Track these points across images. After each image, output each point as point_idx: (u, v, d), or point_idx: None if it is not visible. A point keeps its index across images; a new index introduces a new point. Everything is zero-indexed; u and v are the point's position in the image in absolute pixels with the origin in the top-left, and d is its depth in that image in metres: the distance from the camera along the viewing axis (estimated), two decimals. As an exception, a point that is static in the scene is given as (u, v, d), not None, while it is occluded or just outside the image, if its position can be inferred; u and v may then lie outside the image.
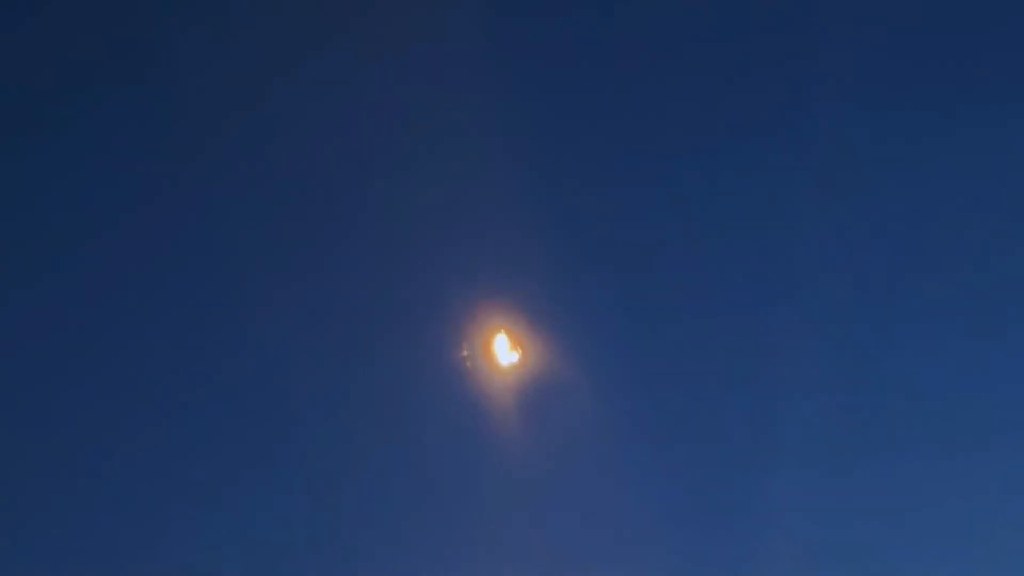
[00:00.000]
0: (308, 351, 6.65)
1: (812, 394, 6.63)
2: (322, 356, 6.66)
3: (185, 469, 6.64)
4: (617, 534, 6.68)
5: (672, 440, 6.83)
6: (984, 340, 6.84)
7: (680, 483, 6.82)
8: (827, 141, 6.60)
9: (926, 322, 6.82)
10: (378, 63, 6.56)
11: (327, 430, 6.73)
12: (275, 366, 6.63)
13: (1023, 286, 6.71)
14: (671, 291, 6.82)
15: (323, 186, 6.63)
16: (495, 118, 6.53)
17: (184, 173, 6.53)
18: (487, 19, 6.57)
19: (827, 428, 6.63)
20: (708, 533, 6.77)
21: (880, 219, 6.77)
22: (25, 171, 6.47)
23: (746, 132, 6.77)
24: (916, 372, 6.84)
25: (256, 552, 6.68)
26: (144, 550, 6.61)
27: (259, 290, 6.63)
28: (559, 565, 6.61)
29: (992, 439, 6.78)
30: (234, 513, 6.72)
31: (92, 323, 6.64)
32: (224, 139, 6.48)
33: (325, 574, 6.72)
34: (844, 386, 6.70)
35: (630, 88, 6.82)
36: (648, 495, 6.71)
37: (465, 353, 6.61)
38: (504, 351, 6.59)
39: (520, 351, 6.59)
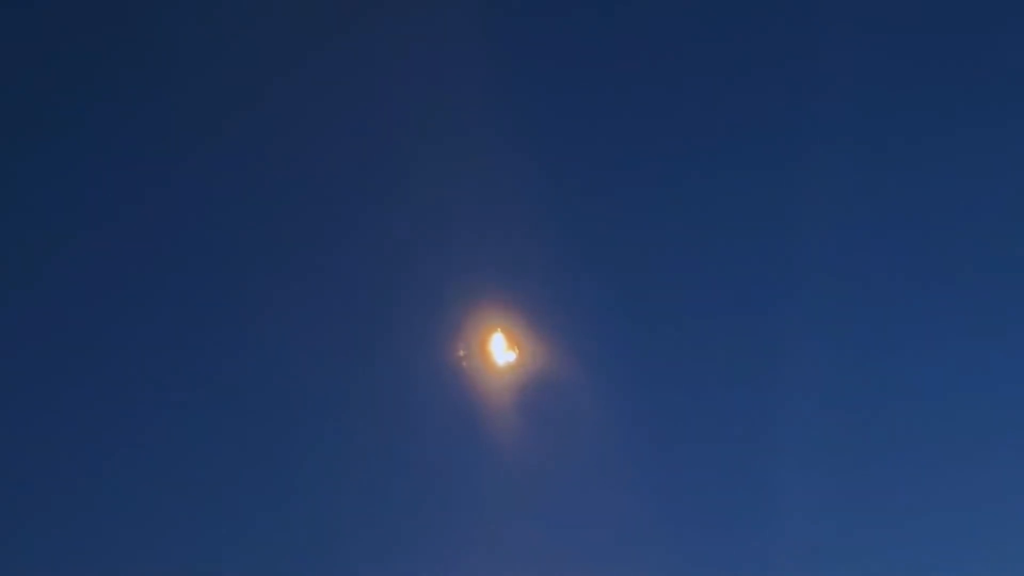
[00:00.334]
0: (303, 350, 6.64)
1: (812, 393, 6.60)
2: (317, 355, 6.65)
3: (179, 469, 6.65)
4: (615, 535, 6.64)
5: (671, 440, 6.80)
6: (986, 340, 6.80)
7: (679, 483, 6.80)
8: (829, 141, 6.57)
9: (929, 321, 6.80)
10: (374, 63, 6.60)
11: (322, 430, 6.73)
12: (270, 365, 6.64)
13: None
14: (670, 290, 6.80)
15: (319, 186, 6.64)
16: (491, 117, 6.53)
17: (181, 173, 6.55)
18: (483, 18, 6.58)
19: (828, 426, 6.61)
20: (707, 533, 6.75)
21: (881, 217, 6.75)
22: (25, 171, 6.50)
23: (745, 129, 6.77)
24: (918, 371, 6.81)
25: (251, 552, 6.69)
26: (142, 550, 6.62)
27: (254, 289, 6.65)
28: (557, 566, 6.58)
29: (993, 439, 6.73)
30: (229, 512, 6.75)
31: (89, 322, 6.66)
32: (220, 139, 6.50)
33: (321, 574, 6.73)
34: (844, 385, 6.68)
35: (628, 86, 6.83)
36: (647, 495, 6.66)
37: (462, 352, 6.60)
38: (501, 350, 6.57)
39: (517, 350, 6.57)
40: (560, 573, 6.58)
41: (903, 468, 6.72)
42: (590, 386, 6.63)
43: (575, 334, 6.63)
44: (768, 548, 6.63)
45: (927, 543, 6.65)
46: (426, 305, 6.63)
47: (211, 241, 6.65)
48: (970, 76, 6.69)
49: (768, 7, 6.80)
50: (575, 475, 6.66)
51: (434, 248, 6.63)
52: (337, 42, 6.58)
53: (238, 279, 6.65)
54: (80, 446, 6.64)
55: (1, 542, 6.51)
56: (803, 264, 6.69)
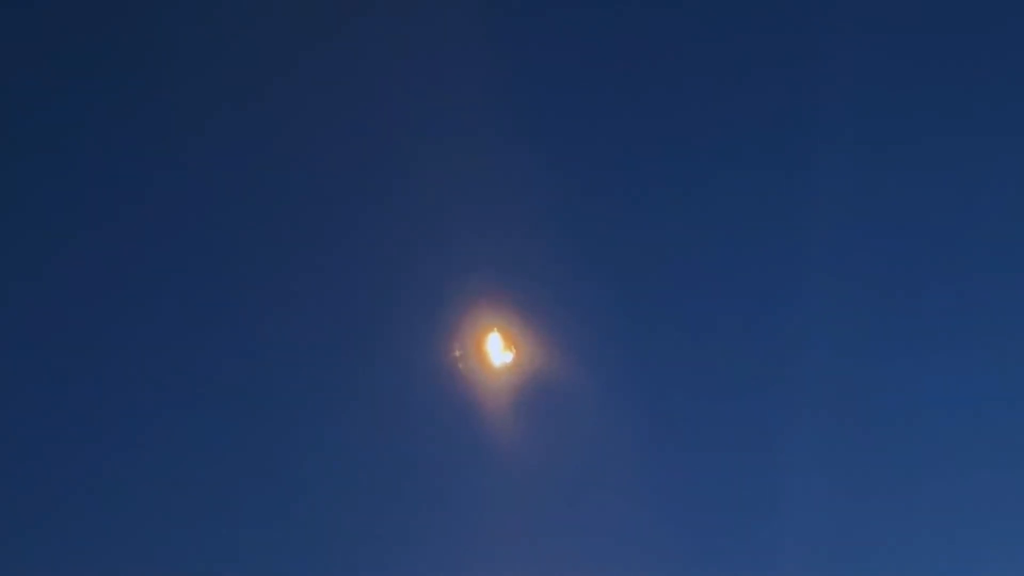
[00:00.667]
0: (295, 351, 6.55)
1: (817, 394, 6.53)
2: (310, 355, 6.57)
3: (170, 470, 6.53)
4: (613, 538, 6.57)
5: (670, 442, 6.71)
6: (992, 343, 6.74)
7: (679, 485, 6.71)
8: (835, 140, 6.52)
9: (935, 323, 6.74)
10: (369, 61, 6.50)
11: (314, 432, 6.62)
12: (262, 365, 6.54)
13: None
14: (669, 289, 6.75)
15: (313, 185, 6.55)
16: (488, 117, 6.45)
17: (176, 172, 6.48)
18: (478, 15, 6.48)
19: (832, 427, 6.55)
20: (707, 536, 6.68)
21: (889, 218, 6.69)
22: (24, 170, 6.43)
23: (749, 127, 6.68)
24: (923, 373, 6.74)
25: (245, 552, 6.58)
26: (141, 550, 6.54)
27: (247, 289, 6.56)
28: (554, 569, 6.52)
29: (1000, 444, 6.68)
30: (223, 513, 6.63)
31: (83, 321, 6.55)
32: (217, 139, 6.43)
33: (315, 574, 6.63)
34: (848, 385, 6.62)
35: (628, 84, 6.74)
36: (646, 498, 6.58)
37: (457, 353, 6.50)
38: (498, 350, 6.48)
39: (514, 350, 6.48)
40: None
41: (907, 467, 6.68)
42: (588, 387, 6.55)
43: (573, 334, 6.55)
44: (769, 552, 6.58)
45: (931, 546, 6.62)
46: (421, 304, 6.54)
47: (204, 241, 6.57)
48: (974, 77, 6.65)
49: (772, 6, 6.76)
50: (573, 478, 6.59)
51: (429, 246, 6.54)
52: (331, 40, 6.50)
53: (231, 278, 6.58)
54: (76, 446, 6.57)
55: (1, 542, 6.44)
56: (807, 264, 6.62)
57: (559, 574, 6.50)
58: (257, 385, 6.54)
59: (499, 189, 6.52)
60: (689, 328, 6.68)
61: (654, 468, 6.61)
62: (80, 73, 6.38)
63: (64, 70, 6.37)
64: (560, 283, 6.56)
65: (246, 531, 6.61)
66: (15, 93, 6.37)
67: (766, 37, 6.72)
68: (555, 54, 6.68)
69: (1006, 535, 6.56)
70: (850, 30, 6.49)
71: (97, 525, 6.54)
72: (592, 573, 6.52)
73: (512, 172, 6.54)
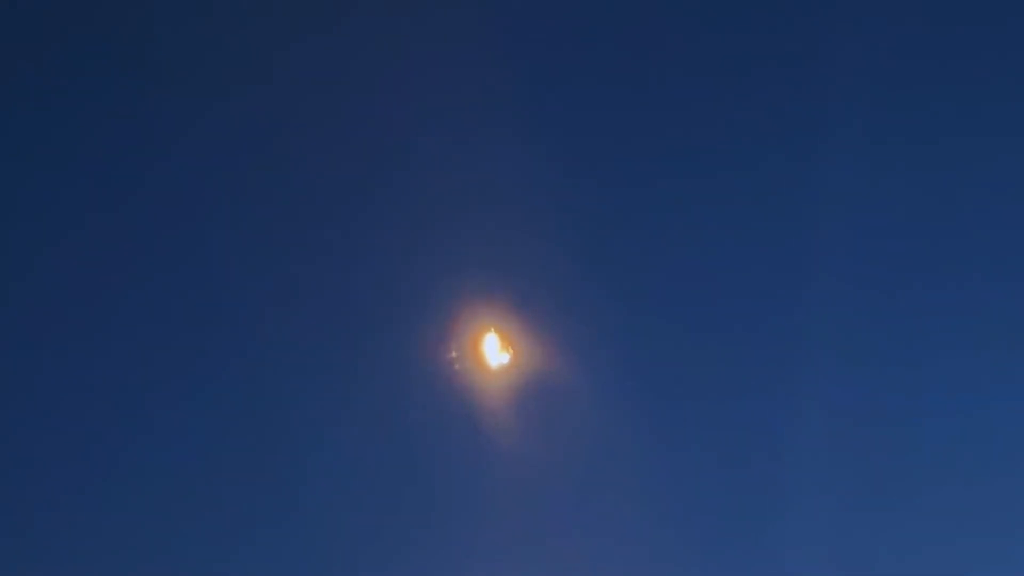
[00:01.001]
0: (290, 352, 6.49)
1: (817, 395, 6.49)
2: (306, 356, 6.50)
3: (171, 470, 6.49)
4: (612, 539, 6.48)
5: (670, 443, 6.64)
6: (1000, 347, 6.66)
7: (678, 488, 6.63)
8: (838, 138, 6.50)
9: (941, 324, 6.68)
10: (366, 61, 6.49)
11: (309, 434, 6.56)
12: (257, 366, 6.50)
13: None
14: (669, 289, 6.70)
15: (309, 185, 6.53)
16: (485, 116, 6.45)
17: (173, 172, 6.47)
18: (478, 15, 6.47)
19: (833, 426, 6.50)
20: (705, 537, 6.60)
21: (893, 217, 6.64)
22: (23, 170, 6.42)
23: (750, 125, 6.65)
24: (925, 373, 6.69)
25: (242, 553, 6.52)
26: (138, 551, 6.46)
27: (243, 289, 6.51)
28: (551, 570, 6.44)
29: (1008, 451, 6.62)
30: (218, 514, 6.55)
31: (82, 322, 6.54)
32: (216, 139, 6.40)
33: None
34: (849, 383, 6.57)
35: (626, 84, 6.73)
36: (645, 500, 6.51)
37: (453, 354, 6.44)
38: (495, 351, 6.42)
39: (511, 351, 6.42)
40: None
41: (909, 468, 6.61)
42: (586, 388, 6.49)
43: (570, 335, 6.49)
44: (768, 554, 6.53)
45: (932, 547, 6.52)
46: (417, 305, 6.49)
47: (202, 241, 6.53)
48: (977, 79, 6.63)
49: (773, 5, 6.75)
50: (571, 480, 6.52)
51: (425, 246, 6.50)
52: (330, 40, 6.50)
53: (228, 278, 6.50)
54: (75, 446, 6.52)
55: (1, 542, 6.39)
56: (807, 263, 6.58)
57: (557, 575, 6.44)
58: (253, 386, 6.49)
59: (496, 189, 6.49)
60: (687, 328, 6.64)
61: (652, 469, 6.55)
62: (81, 73, 6.42)
63: (65, 70, 6.43)
64: (557, 283, 6.52)
65: (243, 532, 6.57)
66: (15, 93, 6.40)
67: (764, 36, 6.73)
68: (553, 53, 6.68)
69: (1009, 538, 6.50)
70: (853, 29, 6.50)
71: (96, 525, 6.49)
72: (590, 574, 6.47)
73: (509, 172, 6.50)
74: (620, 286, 6.63)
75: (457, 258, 6.47)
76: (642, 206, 6.70)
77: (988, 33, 6.63)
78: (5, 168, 6.40)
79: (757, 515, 6.54)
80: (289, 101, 6.48)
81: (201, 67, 6.34)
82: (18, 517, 6.41)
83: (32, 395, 6.47)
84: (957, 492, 6.54)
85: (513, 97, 6.49)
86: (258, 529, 6.54)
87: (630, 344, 6.60)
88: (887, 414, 6.59)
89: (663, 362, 6.63)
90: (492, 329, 6.41)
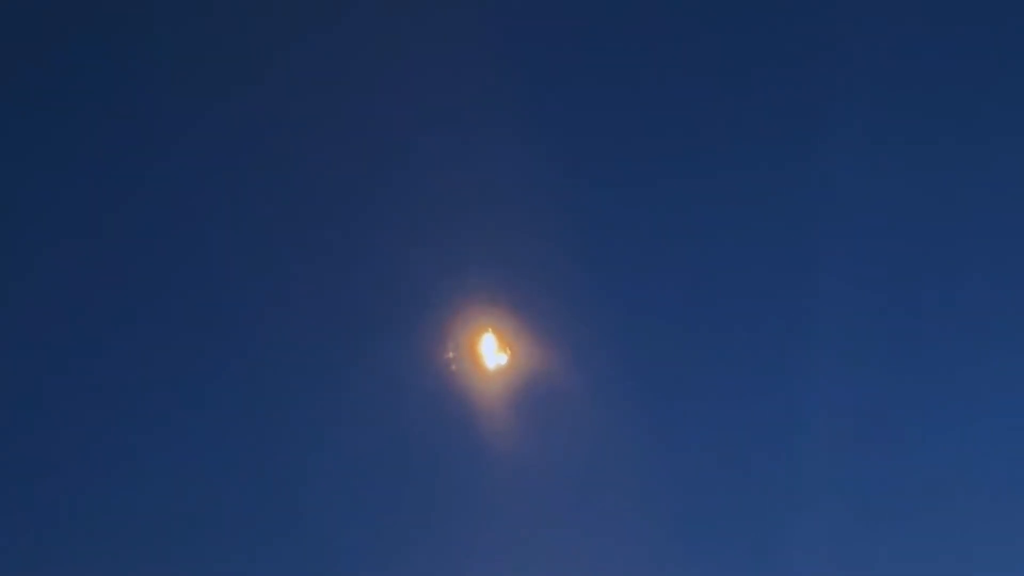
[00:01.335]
0: (289, 352, 6.46)
1: (814, 394, 6.45)
2: (303, 357, 6.46)
3: (167, 470, 6.42)
4: (610, 541, 6.39)
5: (669, 445, 6.56)
6: (1001, 345, 6.61)
7: (678, 490, 6.55)
8: (840, 136, 6.47)
9: (948, 325, 6.63)
10: (363, 61, 6.49)
11: (307, 434, 6.50)
12: (255, 367, 6.47)
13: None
14: (668, 288, 6.65)
15: (306, 185, 6.52)
16: (482, 115, 6.43)
17: (169, 172, 6.46)
18: (475, 15, 6.48)
19: (836, 426, 6.42)
20: (703, 540, 6.51)
21: (885, 216, 6.59)
22: (23, 170, 6.44)
23: (751, 124, 6.63)
24: (927, 374, 6.63)
25: (242, 554, 6.44)
26: (135, 552, 6.39)
27: (238, 289, 6.51)
28: (549, 571, 6.36)
29: (1002, 459, 6.54)
30: (214, 516, 6.48)
31: (80, 321, 6.52)
32: (214, 139, 6.41)
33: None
34: (846, 386, 6.49)
35: (625, 83, 6.71)
36: (644, 503, 6.43)
37: (450, 354, 6.38)
38: (492, 352, 6.36)
39: (509, 352, 6.36)
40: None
41: (910, 469, 6.54)
42: (585, 389, 6.43)
43: (570, 335, 6.44)
44: (767, 556, 6.44)
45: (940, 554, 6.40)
46: (414, 305, 6.45)
47: (198, 242, 6.51)
48: (982, 80, 6.62)
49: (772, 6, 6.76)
50: (570, 483, 6.45)
51: (422, 245, 6.47)
52: (327, 40, 6.50)
53: (225, 279, 6.49)
54: (71, 446, 6.48)
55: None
56: (808, 264, 6.55)
57: None
58: (250, 386, 6.46)
59: (494, 189, 6.47)
60: (686, 329, 6.60)
61: (651, 470, 6.47)
62: (81, 72, 6.44)
63: (65, 70, 6.45)
64: (555, 284, 6.48)
65: (240, 534, 6.49)
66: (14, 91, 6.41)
67: (765, 37, 6.73)
68: (552, 53, 6.68)
69: (1014, 541, 6.38)
70: (854, 27, 6.50)
71: (95, 525, 6.43)
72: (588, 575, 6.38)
73: (507, 172, 6.49)
74: (618, 286, 6.62)
75: (455, 258, 6.46)
76: (641, 206, 6.67)
77: (992, 34, 6.65)
78: (5, 169, 6.44)
79: (757, 517, 6.48)
80: (286, 102, 6.49)
81: (200, 67, 6.36)
82: (19, 518, 6.39)
83: (31, 396, 6.47)
84: (960, 496, 6.47)
85: (512, 98, 6.49)
86: (253, 529, 6.49)
87: (628, 344, 6.56)
88: (888, 415, 6.55)
89: (661, 362, 6.60)
90: (490, 329, 6.35)
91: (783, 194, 6.60)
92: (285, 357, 6.42)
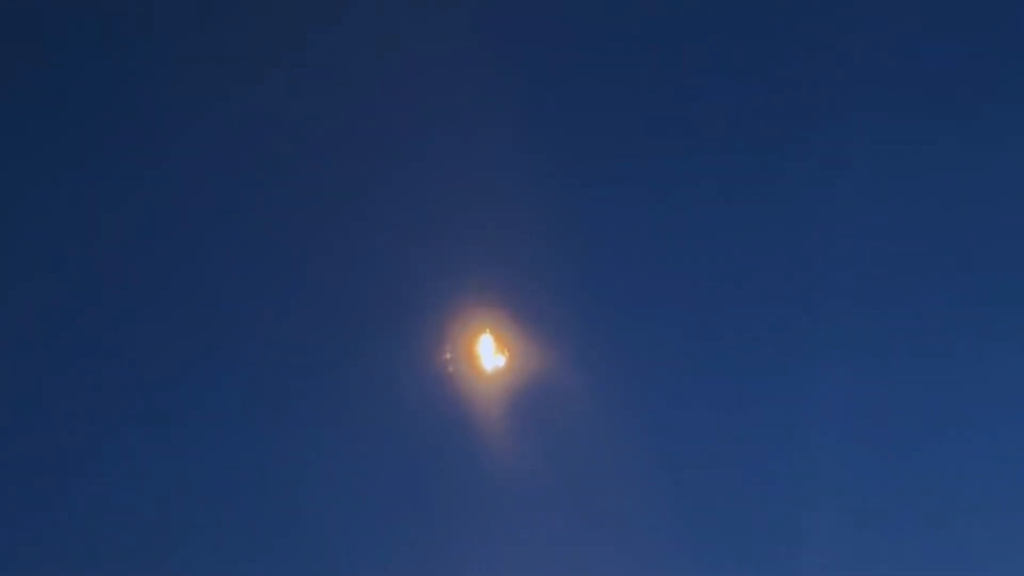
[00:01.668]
0: (285, 354, 6.41)
1: (814, 395, 6.37)
2: (299, 359, 6.42)
3: (161, 473, 6.37)
4: (609, 546, 6.30)
5: (669, 448, 6.49)
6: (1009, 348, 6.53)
7: (679, 493, 6.47)
8: (841, 135, 6.47)
9: (955, 325, 6.57)
10: (362, 63, 6.48)
11: (304, 437, 6.42)
12: (252, 369, 6.41)
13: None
14: (667, 290, 6.60)
15: (305, 188, 6.50)
16: (480, 116, 6.42)
17: (167, 173, 6.46)
18: (476, 15, 6.50)
19: (830, 429, 6.34)
20: (704, 544, 6.43)
21: (885, 215, 6.55)
22: (24, 170, 6.45)
23: (751, 124, 6.62)
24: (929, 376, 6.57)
25: (239, 555, 6.36)
26: (133, 552, 6.31)
27: (238, 291, 6.47)
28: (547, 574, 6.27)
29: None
30: (215, 516, 6.42)
31: (78, 321, 6.51)
32: (212, 140, 6.40)
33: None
34: (848, 388, 6.39)
35: (623, 85, 6.72)
36: (644, 506, 6.33)
37: (447, 356, 6.31)
38: (490, 354, 6.29)
39: (507, 354, 6.30)
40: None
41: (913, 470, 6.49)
42: (584, 391, 6.36)
43: (568, 337, 6.38)
44: (767, 558, 6.37)
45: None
46: (411, 307, 6.39)
47: (196, 243, 6.50)
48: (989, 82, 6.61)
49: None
50: (568, 486, 6.34)
51: (419, 246, 6.43)
52: (325, 41, 6.52)
53: (222, 280, 6.47)
54: (70, 447, 6.42)
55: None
56: (808, 264, 6.52)
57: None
58: (247, 388, 6.41)
59: (493, 191, 6.45)
60: (685, 331, 6.56)
61: (649, 474, 6.38)
62: (82, 73, 6.46)
63: (65, 70, 6.47)
64: (554, 285, 6.43)
65: (237, 535, 6.42)
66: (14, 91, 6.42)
67: (766, 39, 6.73)
68: (551, 54, 6.69)
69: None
70: (859, 30, 6.51)
71: (94, 525, 6.38)
72: (585, 578, 6.29)
73: (506, 174, 6.46)
74: (617, 288, 6.57)
75: (452, 260, 6.42)
76: (640, 208, 6.63)
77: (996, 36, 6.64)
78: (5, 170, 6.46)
79: (756, 518, 6.40)
80: (284, 104, 6.50)
81: (199, 69, 6.38)
82: (20, 517, 6.35)
83: (31, 397, 6.44)
84: (967, 501, 6.40)
85: (510, 99, 6.47)
86: (250, 531, 6.41)
87: (627, 346, 6.50)
88: (889, 417, 6.48)
89: (660, 364, 6.55)
90: (487, 331, 6.29)
91: (784, 197, 6.61)
92: (282, 358, 6.37)
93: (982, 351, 6.47)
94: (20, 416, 6.37)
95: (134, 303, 6.48)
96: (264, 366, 6.35)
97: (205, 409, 6.45)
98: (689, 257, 6.58)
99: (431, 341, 6.31)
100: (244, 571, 6.32)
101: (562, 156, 6.54)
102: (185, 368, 6.44)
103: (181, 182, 6.40)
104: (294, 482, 6.34)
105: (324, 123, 6.42)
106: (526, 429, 6.32)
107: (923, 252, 6.61)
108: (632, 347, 6.49)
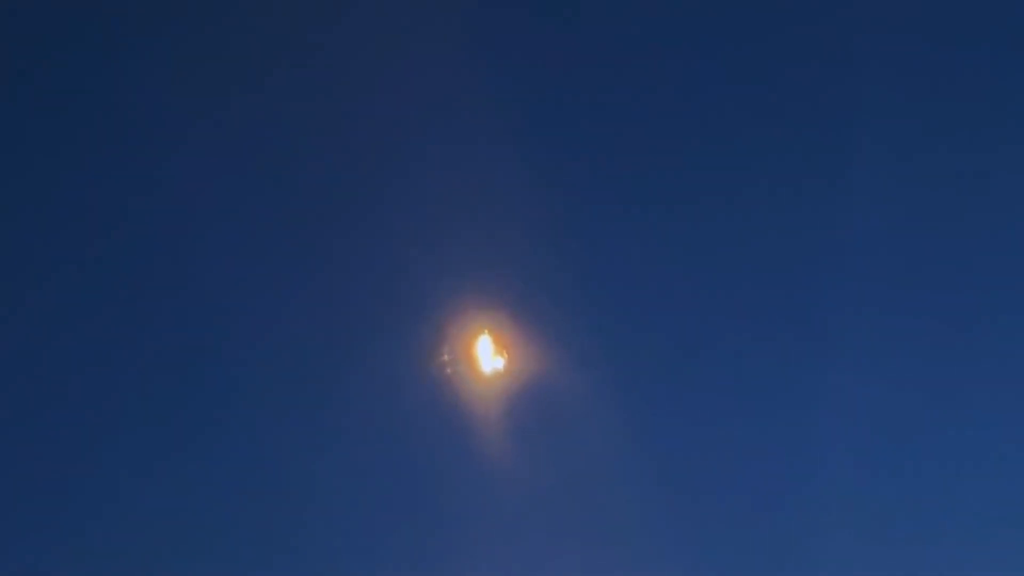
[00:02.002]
0: (283, 356, 6.40)
1: (813, 396, 6.36)
2: (297, 360, 6.41)
3: (159, 474, 6.34)
4: (607, 549, 6.23)
5: (669, 451, 6.43)
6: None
7: (674, 493, 6.40)
8: (840, 138, 6.44)
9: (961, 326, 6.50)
10: (361, 65, 6.48)
11: (300, 440, 6.37)
12: (249, 371, 6.36)
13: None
14: (667, 292, 6.54)
15: (303, 190, 6.50)
16: (478, 118, 6.40)
17: (165, 174, 6.45)
18: (476, 18, 6.51)
19: (830, 431, 6.31)
20: (704, 547, 6.34)
21: (877, 214, 6.48)
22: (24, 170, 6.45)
23: (747, 129, 6.59)
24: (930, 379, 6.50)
25: (234, 556, 6.32)
26: (131, 552, 6.29)
27: (236, 293, 6.42)
28: None
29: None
30: (212, 518, 6.38)
31: (78, 323, 6.49)
32: (211, 141, 6.38)
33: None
34: (848, 391, 6.36)
35: (622, 86, 6.69)
36: (644, 509, 6.28)
37: (445, 358, 6.27)
38: (488, 356, 6.24)
39: (505, 356, 6.25)
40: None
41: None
42: (582, 394, 6.30)
43: (566, 339, 6.33)
44: (766, 561, 6.29)
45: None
46: (409, 308, 6.35)
47: (193, 244, 6.44)
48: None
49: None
50: (566, 488, 6.28)
51: (417, 248, 6.41)
52: (324, 41, 6.51)
53: (220, 281, 6.41)
54: (69, 449, 6.41)
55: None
56: (807, 265, 6.49)
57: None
58: (245, 390, 6.35)
59: (492, 193, 6.42)
60: (683, 333, 6.52)
61: (647, 476, 6.33)
62: (82, 73, 6.46)
63: (65, 70, 6.46)
64: (553, 287, 6.39)
65: (235, 536, 6.37)
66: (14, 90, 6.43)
67: (763, 40, 6.69)
68: (551, 56, 6.64)
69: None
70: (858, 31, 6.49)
71: (94, 526, 6.36)
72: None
73: (505, 176, 6.44)
74: (616, 290, 6.54)
75: (451, 262, 6.37)
76: (639, 210, 6.61)
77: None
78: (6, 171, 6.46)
79: (756, 521, 6.35)
80: (283, 106, 6.49)
81: (199, 70, 6.37)
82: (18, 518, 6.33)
83: (31, 397, 6.42)
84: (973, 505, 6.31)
85: (509, 101, 6.48)
86: (248, 533, 6.37)
87: (626, 348, 6.47)
88: (891, 420, 6.41)
89: (659, 366, 6.50)
90: (486, 333, 6.24)
91: (785, 199, 6.55)
92: (281, 360, 6.36)
93: (991, 356, 6.45)
94: (19, 417, 6.38)
95: (134, 304, 6.48)
96: (263, 368, 6.33)
97: (203, 411, 6.43)
98: (688, 260, 6.57)
99: (429, 343, 6.27)
100: (243, 572, 6.29)
101: (561, 158, 6.54)
102: (183, 369, 6.44)
103: (181, 184, 6.39)
104: (292, 484, 6.29)
105: (323, 125, 6.44)
106: (524, 431, 6.28)
107: (925, 254, 6.58)
108: (630, 349, 6.46)
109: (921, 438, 6.39)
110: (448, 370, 6.24)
